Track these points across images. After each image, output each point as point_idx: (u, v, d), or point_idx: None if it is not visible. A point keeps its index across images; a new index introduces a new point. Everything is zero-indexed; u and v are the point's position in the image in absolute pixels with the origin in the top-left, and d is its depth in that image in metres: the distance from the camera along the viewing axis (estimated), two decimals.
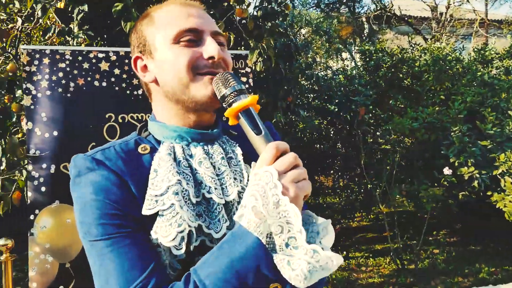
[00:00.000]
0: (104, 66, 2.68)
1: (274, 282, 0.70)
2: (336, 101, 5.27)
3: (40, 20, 3.01)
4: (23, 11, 3.11)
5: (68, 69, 2.61)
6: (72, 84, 2.60)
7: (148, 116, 2.67)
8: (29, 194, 2.49)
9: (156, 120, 0.92)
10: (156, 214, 0.78)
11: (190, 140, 0.88)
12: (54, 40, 3.17)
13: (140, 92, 2.72)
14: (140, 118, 2.73)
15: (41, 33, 3.11)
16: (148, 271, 0.74)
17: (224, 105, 0.81)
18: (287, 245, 0.67)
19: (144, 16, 0.93)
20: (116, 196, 0.78)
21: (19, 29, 3.12)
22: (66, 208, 2.53)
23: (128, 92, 2.70)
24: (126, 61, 2.72)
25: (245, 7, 2.93)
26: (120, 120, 2.69)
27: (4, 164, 2.50)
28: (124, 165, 0.82)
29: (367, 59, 5.41)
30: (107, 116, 2.64)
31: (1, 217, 2.54)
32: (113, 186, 0.78)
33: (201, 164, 0.85)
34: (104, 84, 2.67)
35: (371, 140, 5.19)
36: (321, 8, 9.42)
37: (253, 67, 3.01)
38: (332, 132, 5.60)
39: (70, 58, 2.63)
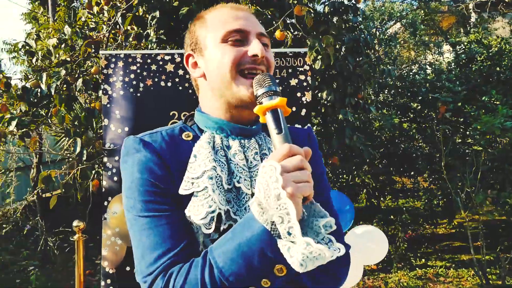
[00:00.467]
0: (169, 67, 2.88)
1: (278, 264, 0.76)
2: (419, 98, 4.94)
3: (121, 27, 3.35)
4: (107, 20, 3.48)
5: (138, 71, 2.87)
6: (141, 85, 2.85)
7: None
8: (104, 183, 2.80)
9: (201, 111, 1.02)
10: (191, 195, 0.88)
11: (229, 132, 0.96)
12: (133, 44, 3.50)
13: None
14: None
15: (123, 38, 3.45)
16: (179, 248, 0.84)
17: (257, 102, 0.88)
18: (288, 233, 0.73)
19: (197, 18, 1.04)
20: (158, 175, 0.88)
21: (106, 36, 3.52)
22: None
23: (190, 91, 2.87)
24: None
25: (304, 5, 2.90)
26: (182, 117, 2.86)
27: (84, 155, 2.85)
28: (167, 148, 0.92)
29: (459, 52, 4.97)
30: (171, 113, 2.85)
31: (80, 202, 2.90)
32: (155, 166, 0.88)
33: (235, 156, 0.93)
34: (169, 84, 2.87)
35: (459, 140, 4.76)
36: None
37: (312, 65, 2.98)
38: (414, 131, 5.25)
39: (141, 61, 2.88)
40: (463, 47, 4.88)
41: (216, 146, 0.94)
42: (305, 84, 2.94)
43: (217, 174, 0.88)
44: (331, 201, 1.02)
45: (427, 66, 5.60)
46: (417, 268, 4.41)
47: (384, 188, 5.03)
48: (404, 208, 5.10)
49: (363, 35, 3.62)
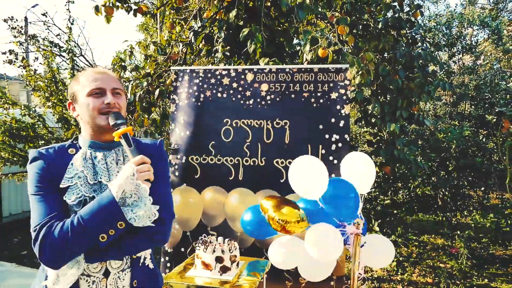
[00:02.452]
0: (225, 81, 3.34)
1: (120, 221, 1.32)
2: (497, 110, 4.70)
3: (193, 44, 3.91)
4: (186, 38, 4.09)
5: (200, 83, 3.38)
6: (202, 96, 3.36)
7: (255, 122, 3.23)
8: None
9: (80, 135, 1.57)
10: (67, 188, 1.41)
11: (95, 148, 1.51)
12: (212, 60, 4.04)
13: (250, 102, 3.28)
14: (248, 123, 3.28)
15: (196, 53, 4.03)
16: (58, 211, 1.35)
17: (115, 129, 1.44)
18: (133, 203, 1.36)
19: (75, 78, 1.58)
20: (45, 174, 1.40)
21: (183, 51, 4.13)
22: (190, 190, 3.30)
23: (241, 102, 3.29)
24: (242, 76, 3.31)
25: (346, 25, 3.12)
26: (234, 124, 3.31)
27: None
28: (55, 158, 1.45)
29: None
30: (224, 121, 3.31)
31: None
32: (45, 169, 1.41)
33: (99, 162, 1.48)
34: (224, 95, 3.33)
35: None
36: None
37: (352, 80, 3.18)
38: (492, 145, 4.99)
39: (202, 75, 3.39)
40: None
41: (86, 157, 1.48)
42: (344, 97, 3.17)
43: (84, 175, 1.43)
44: (158, 192, 1.50)
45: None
46: (474, 287, 4.26)
47: (454, 201, 4.87)
48: (472, 225, 4.89)
49: (422, 49, 3.67)
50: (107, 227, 1.31)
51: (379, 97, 3.76)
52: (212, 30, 3.92)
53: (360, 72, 3.10)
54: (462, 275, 4.56)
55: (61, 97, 3.78)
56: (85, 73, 1.55)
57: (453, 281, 4.38)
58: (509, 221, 4.38)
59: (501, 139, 4.83)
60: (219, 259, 2.32)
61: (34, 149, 1.49)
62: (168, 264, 3.34)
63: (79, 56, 4.26)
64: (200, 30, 3.91)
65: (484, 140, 4.86)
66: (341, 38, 3.65)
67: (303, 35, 3.36)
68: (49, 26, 4.20)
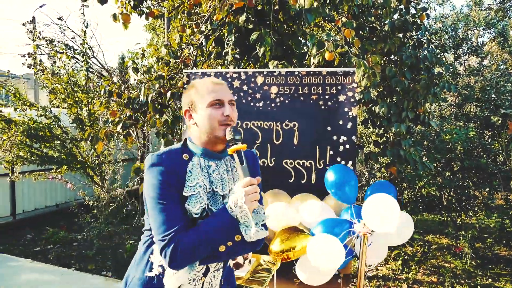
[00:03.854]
0: (236, 83, 3.44)
1: (237, 235, 1.43)
2: (502, 111, 4.76)
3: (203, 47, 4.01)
4: (198, 41, 4.19)
5: None
6: None
7: (265, 123, 3.33)
8: None
9: (192, 142, 1.60)
10: (187, 197, 1.47)
11: (208, 157, 1.56)
12: (221, 62, 4.14)
13: (260, 104, 3.37)
14: (258, 125, 3.38)
15: (206, 56, 4.12)
16: (184, 221, 1.42)
17: (230, 144, 1.51)
18: (244, 222, 1.45)
19: (192, 86, 1.62)
20: (168, 180, 1.44)
21: (194, 54, 4.23)
22: None
23: (251, 104, 3.39)
24: (253, 79, 3.41)
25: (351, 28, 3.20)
26: (244, 126, 3.41)
27: None
28: (173, 164, 1.48)
29: None
30: (238, 126, 3.40)
31: None
32: (170, 174, 1.46)
33: (213, 172, 1.56)
34: (235, 97, 3.43)
35: None
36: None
37: (359, 83, 3.26)
38: (497, 146, 5.04)
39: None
40: None
41: (201, 166, 1.53)
42: (352, 100, 3.25)
43: (204, 184, 1.51)
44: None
45: None
46: (478, 287, 4.33)
47: (459, 202, 4.94)
48: (477, 225, 4.95)
49: (426, 51, 3.74)
50: (226, 240, 1.44)
51: (385, 98, 3.83)
52: (222, 33, 4.01)
53: (366, 75, 3.17)
54: (466, 274, 4.63)
55: (76, 99, 3.91)
56: (204, 83, 1.60)
57: (457, 280, 4.45)
58: None
59: (506, 140, 4.89)
60: None
61: (154, 154, 1.51)
62: None
63: (92, 58, 4.37)
64: (210, 33, 4.00)
65: (489, 141, 4.92)
66: (348, 41, 3.73)
67: (309, 38, 3.45)
68: (65, 29, 4.31)
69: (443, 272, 4.60)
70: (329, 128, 3.27)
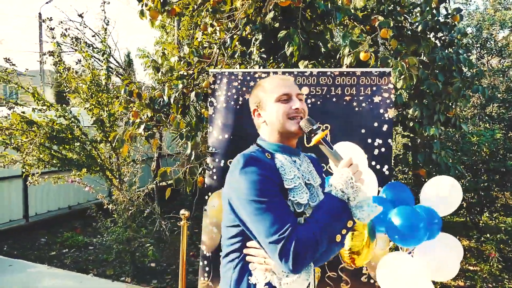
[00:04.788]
0: None
1: (349, 220, 1.34)
2: None
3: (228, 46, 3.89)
4: (219, 39, 4.06)
5: (239, 86, 3.35)
6: (240, 99, 3.33)
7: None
8: (206, 180, 3.35)
9: (265, 141, 1.56)
10: (289, 190, 1.40)
11: (287, 152, 1.51)
12: (239, 61, 4.02)
13: None
14: None
15: (229, 55, 3.99)
16: (292, 221, 1.29)
17: (311, 135, 1.45)
18: (356, 205, 1.35)
19: (258, 85, 1.61)
20: (266, 178, 1.35)
21: (217, 53, 4.10)
22: None
23: None
24: None
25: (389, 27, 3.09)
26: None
27: (193, 156, 3.44)
28: (265, 161, 1.42)
29: None
30: None
31: (193, 194, 3.49)
32: (266, 171, 1.37)
33: (301, 166, 1.54)
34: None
35: None
36: None
37: (395, 84, 3.14)
38: None
39: (241, 78, 3.36)
40: None
41: (289, 161, 1.49)
42: (388, 101, 3.13)
43: (300, 176, 1.46)
44: None
45: None
46: None
47: (481, 204, 4.84)
48: (503, 228, 4.84)
49: (456, 53, 3.62)
50: (341, 227, 1.34)
51: (416, 101, 3.72)
52: (248, 32, 3.89)
53: (403, 76, 3.05)
54: (493, 278, 4.52)
55: (99, 99, 3.78)
56: (270, 80, 1.59)
57: (485, 284, 4.34)
58: None
59: None
60: None
61: (245, 153, 1.47)
62: (207, 268, 3.32)
63: (109, 57, 4.25)
64: (235, 32, 3.88)
65: None
66: (378, 41, 3.61)
67: (342, 38, 3.33)
68: (85, 26, 4.18)
69: (470, 276, 4.49)
70: (363, 131, 3.15)
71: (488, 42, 6.29)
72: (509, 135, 4.97)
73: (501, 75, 5.52)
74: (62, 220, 6.16)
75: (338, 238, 1.34)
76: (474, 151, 4.63)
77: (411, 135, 4.10)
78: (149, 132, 3.72)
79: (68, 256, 4.90)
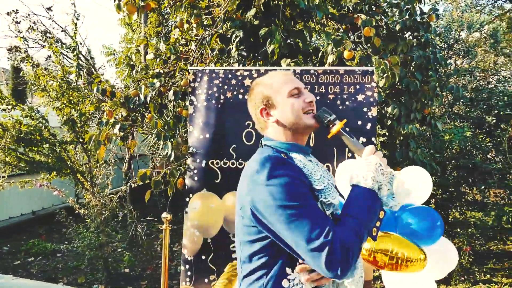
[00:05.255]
0: (247, 82, 3.24)
1: (381, 211, 1.28)
2: (495, 111, 4.84)
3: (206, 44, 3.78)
4: (195, 36, 3.95)
5: (220, 85, 3.25)
6: (222, 97, 3.24)
7: None
8: (187, 181, 3.23)
9: (270, 140, 1.46)
10: (315, 190, 1.32)
11: (300, 151, 1.43)
12: (214, 60, 3.92)
13: None
14: None
15: (207, 52, 3.89)
16: (329, 221, 1.21)
17: (330, 126, 1.43)
18: (388, 194, 1.30)
19: (260, 83, 1.51)
20: (296, 180, 1.26)
21: (194, 51, 3.99)
22: (211, 196, 3.17)
23: None
24: None
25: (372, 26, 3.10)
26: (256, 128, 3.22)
27: (172, 157, 3.31)
28: (293, 165, 1.33)
29: None
30: (246, 123, 3.20)
31: (169, 197, 3.36)
32: (294, 172, 1.29)
33: (318, 165, 1.48)
34: (246, 97, 3.22)
35: None
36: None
37: (378, 82, 3.16)
38: (489, 145, 5.14)
39: (223, 76, 3.27)
40: None
41: (309, 161, 1.42)
42: (371, 100, 3.14)
43: (325, 176, 1.40)
44: None
45: (508, 79, 5.42)
46: (480, 283, 4.37)
47: (451, 200, 5.00)
48: (472, 222, 5.03)
49: (433, 52, 3.70)
50: (375, 219, 1.26)
51: (394, 99, 3.77)
52: (226, 29, 3.80)
53: (385, 75, 3.08)
54: (464, 271, 4.67)
55: (71, 98, 3.56)
56: (273, 76, 1.51)
57: (458, 277, 4.48)
58: (510, 218, 4.53)
59: (498, 139, 4.99)
60: None
61: (267, 156, 1.32)
62: (189, 273, 3.21)
63: (79, 53, 4.03)
64: (215, 29, 3.78)
65: (483, 140, 5.01)
66: (357, 40, 3.63)
67: (325, 36, 3.31)
68: (53, 21, 3.92)
69: None
70: (347, 129, 3.15)
71: (456, 43, 6.54)
72: (476, 132, 5.16)
73: (468, 75, 5.75)
74: (26, 226, 5.80)
75: (374, 231, 1.26)
76: (445, 149, 4.78)
77: (387, 134, 4.16)
78: (125, 132, 3.56)
79: (34, 265, 4.62)
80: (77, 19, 3.82)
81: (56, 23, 3.96)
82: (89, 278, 4.24)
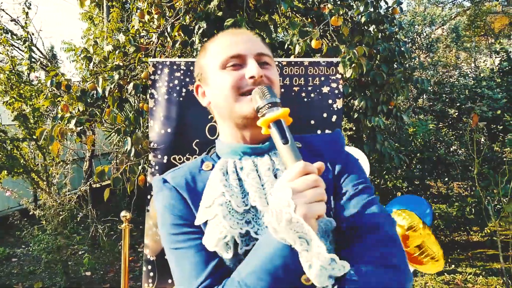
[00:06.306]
0: None
1: (304, 274, 0.75)
2: (458, 104, 4.93)
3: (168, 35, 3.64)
4: (157, 28, 3.79)
5: (182, 77, 3.13)
6: (184, 90, 3.11)
7: None
8: (148, 178, 3.10)
9: (218, 140, 1.07)
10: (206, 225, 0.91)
11: (242, 154, 0.99)
12: (178, 53, 3.78)
13: None
14: None
15: (170, 45, 3.74)
16: (210, 272, 0.86)
17: (259, 116, 0.89)
18: (306, 250, 0.73)
19: (202, 49, 1.08)
20: (178, 210, 0.94)
21: (155, 43, 3.83)
22: None
23: None
24: None
25: (340, 15, 3.06)
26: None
27: (132, 152, 3.16)
28: (186, 183, 0.97)
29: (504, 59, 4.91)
30: (209, 117, 3.09)
31: (130, 195, 3.20)
32: (176, 202, 0.95)
33: (248, 176, 0.94)
34: None
35: (498, 148, 4.73)
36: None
37: (344, 74, 3.12)
38: (452, 138, 5.24)
39: (184, 68, 3.14)
40: (505, 54, 4.83)
41: (228, 171, 0.96)
42: (336, 91, 3.10)
43: (227, 200, 0.89)
44: (371, 205, 0.93)
45: (469, 73, 5.55)
46: (445, 274, 4.44)
47: (417, 193, 5.08)
48: (437, 214, 5.12)
49: (398, 45, 3.71)
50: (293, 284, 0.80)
51: (360, 92, 3.75)
52: (189, 20, 3.67)
53: (353, 66, 3.04)
54: None
55: (21, 92, 3.33)
56: (219, 38, 1.04)
57: None
58: (473, 209, 4.63)
59: (460, 131, 5.09)
60: None
61: (156, 177, 1.04)
62: (151, 274, 3.07)
63: (32, 46, 3.79)
64: (177, 20, 3.64)
65: (447, 133, 5.10)
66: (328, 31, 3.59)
67: (291, 26, 3.24)
68: (2, 9, 3.66)
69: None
70: (312, 122, 3.09)
71: (419, 38, 6.67)
72: (440, 126, 5.25)
73: (431, 69, 5.86)
74: None
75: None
76: (410, 142, 4.83)
77: (354, 127, 4.15)
78: (81, 127, 3.37)
79: None
80: (29, 8, 3.59)
81: (4, 11, 3.70)
82: (46, 283, 4.01)
